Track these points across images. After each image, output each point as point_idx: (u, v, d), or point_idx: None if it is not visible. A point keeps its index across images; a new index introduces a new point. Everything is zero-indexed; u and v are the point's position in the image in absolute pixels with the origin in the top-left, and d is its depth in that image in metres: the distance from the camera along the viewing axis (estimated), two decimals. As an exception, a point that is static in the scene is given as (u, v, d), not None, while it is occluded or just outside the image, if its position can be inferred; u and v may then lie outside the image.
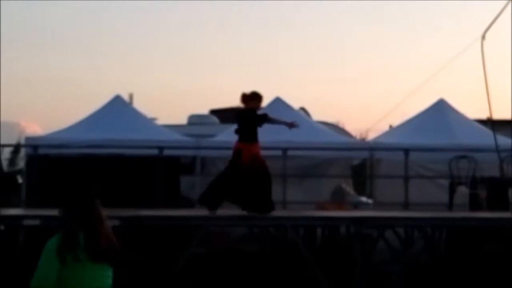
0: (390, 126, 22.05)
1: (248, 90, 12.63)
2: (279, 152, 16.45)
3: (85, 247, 5.67)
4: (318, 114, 25.56)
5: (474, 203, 15.63)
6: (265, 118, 12.60)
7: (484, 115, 19.59)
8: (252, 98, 12.59)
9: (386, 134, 19.99)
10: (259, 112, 12.77)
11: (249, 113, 12.57)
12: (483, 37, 13.71)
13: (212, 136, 18.57)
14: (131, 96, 24.86)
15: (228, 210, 12.88)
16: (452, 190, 16.00)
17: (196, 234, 12.41)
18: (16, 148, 28.07)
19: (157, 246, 13.38)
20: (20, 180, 21.80)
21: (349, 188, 17.72)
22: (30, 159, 17.11)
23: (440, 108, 18.75)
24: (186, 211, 14.59)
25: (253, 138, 12.56)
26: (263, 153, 16.76)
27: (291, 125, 13.08)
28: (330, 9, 56.40)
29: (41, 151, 16.73)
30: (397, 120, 20.66)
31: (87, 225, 5.77)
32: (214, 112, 25.91)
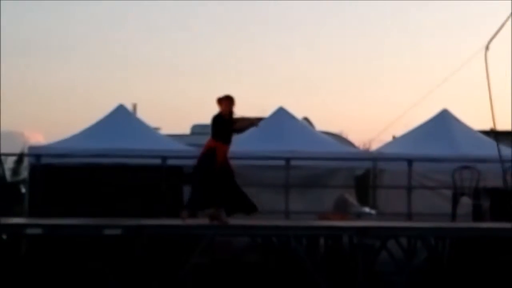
0: (394, 137, 22.02)
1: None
2: (282, 162, 16.47)
3: None
4: (321, 124, 25.50)
5: (477, 214, 15.61)
6: (233, 123, 12.89)
7: (487, 126, 19.59)
8: (223, 101, 12.86)
9: (389, 144, 19.96)
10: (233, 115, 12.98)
11: (218, 116, 12.80)
12: (487, 47, 13.71)
13: (215, 146, 18.53)
14: (134, 106, 24.82)
15: (230, 219, 12.86)
16: (455, 200, 15.99)
17: (198, 244, 12.38)
18: (20, 157, 28.02)
19: (160, 256, 13.36)
20: (23, 190, 21.77)
21: (352, 198, 17.68)
22: (33, 168, 17.10)
23: (444, 119, 18.73)
24: (189, 220, 14.58)
25: (226, 139, 12.82)
26: (266, 163, 16.82)
27: (256, 122, 13.36)
28: (332, 19, 56.50)
29: (44, 160, 16.73)
30: (400, 130, 20.64)
31: None
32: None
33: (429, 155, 16.92)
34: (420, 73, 53.55)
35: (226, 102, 12.90)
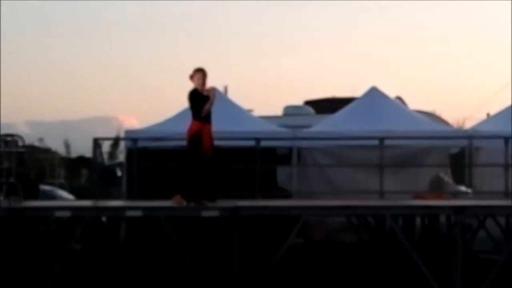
0: (488, 115, 21.65)
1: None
2: (376, 142, 16.39)
3: None
4: (414, 103, 25.24)
5: None
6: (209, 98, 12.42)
7: None
8: (195, 75, 12.38)
9: (484, 122, 19.64)
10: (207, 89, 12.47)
11: (194, 92, 12.46)
12: None
13: (307, 127, 18.56)
14: (225, 88, 25.02)
15: (325, 201, 12.86)
16: (554, 177, 15.66)
17: (293, 224, 12.40)
18: (115, 141, 28.57)
19: (255, 237, 13.46)
20: (119, 173, 22.18)
21: (447, 177, 17.48)
22: (130, 152, 17.41)
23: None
24: (284, 201, 14.65)
25: (207, 118, 12.56)
26: (360, 143, 16.74)
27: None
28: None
29: (140, 144, 17.01)
30: (495, 108, 20.25)
31: None
32: (308, 103, 25.89)
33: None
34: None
35: (199, 75, 12.33)
